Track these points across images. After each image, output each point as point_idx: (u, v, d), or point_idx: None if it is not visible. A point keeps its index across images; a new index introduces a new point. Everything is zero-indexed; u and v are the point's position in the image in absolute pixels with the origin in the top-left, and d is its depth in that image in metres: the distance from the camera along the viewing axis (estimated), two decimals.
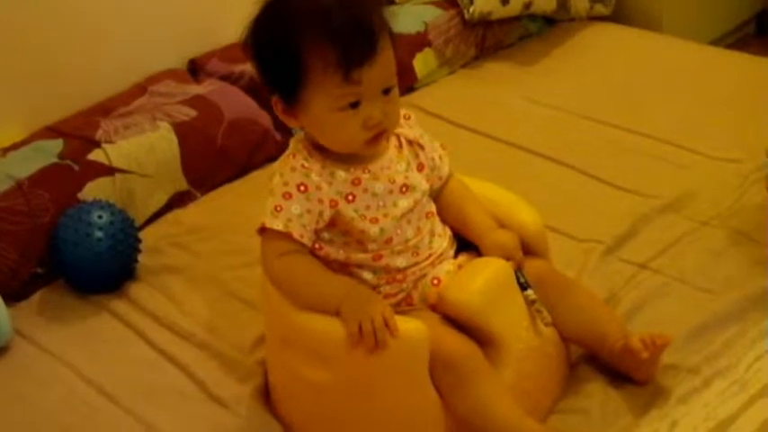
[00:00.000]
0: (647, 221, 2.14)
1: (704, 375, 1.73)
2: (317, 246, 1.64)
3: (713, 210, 2.15)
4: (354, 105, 1.56)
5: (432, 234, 1.70)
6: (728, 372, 1.74)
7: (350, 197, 1.62)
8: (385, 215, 1.64)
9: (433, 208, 1.73)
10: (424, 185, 1.70)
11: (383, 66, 1.56)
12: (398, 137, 1.71)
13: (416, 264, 1.67)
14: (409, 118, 1.74)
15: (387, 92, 1.58)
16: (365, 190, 1.63)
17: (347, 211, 1.62)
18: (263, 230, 1.62)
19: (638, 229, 2.11)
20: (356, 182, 1.63)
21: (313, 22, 1.54)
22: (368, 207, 1.63)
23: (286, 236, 1.59)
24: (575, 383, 1.75)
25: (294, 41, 1.55)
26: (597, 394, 1.71)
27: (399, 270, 1.66)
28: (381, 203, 1.64)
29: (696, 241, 2.07)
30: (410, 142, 1.71)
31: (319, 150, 1.64)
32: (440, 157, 1.75)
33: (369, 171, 1.64)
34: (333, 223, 1.63)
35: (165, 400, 1.83)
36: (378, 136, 1.60)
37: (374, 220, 1.63)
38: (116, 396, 1.85)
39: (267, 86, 1.65)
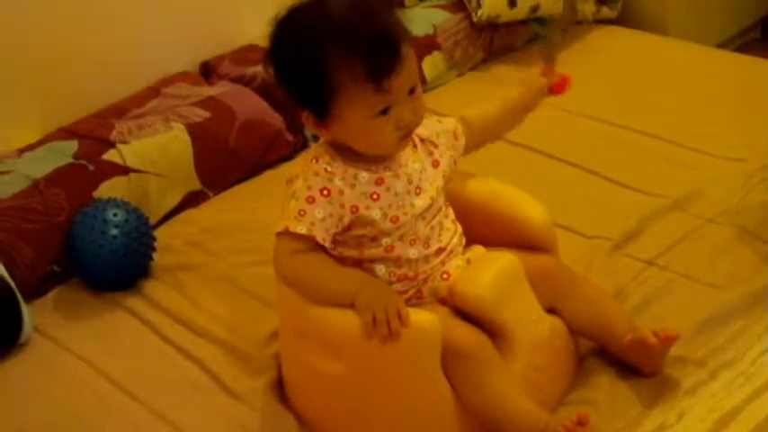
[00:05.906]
0: (654, 219, 2.16)
1: (710, 368, 1.76)
2: (330, 246, 1.66)
3: (719, 207, 2.18)
4: (385, 111, 1.59)
5: (440, 227, 1.72)
6: (734, 364, 1.76)
7: (374, 196, 1.65)
8: (405, 213, 1.66)
9: (443, 203, 1.75)
10: (439, 182, 1.73)
11: (408, 70, 1.58)
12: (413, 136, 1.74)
13: (427, 257, 1.70)
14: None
15: (412, 91, 1.61)
16: (388, 189, 1.66)
17: (370, 213, 1.64)
18: (284, 233, 1.63)
19: (644, 227, 2.14)
20: (379, 181, 1.66)
21: (338, 38, 1.55)
22: (390, 206, 1.66)
23: (309, 239, 1.61)
24: (583, 376, 1.78)
25: (321, 58, 1.56)
26: (606, 386, 1.74)
27: (411, 261, 1.68)
28: (401, 203, 1.67)
29: (702, 238, 2.10)
30: (423, 140, 1.74)
31: (341, 153, 1.66)
32: (455, 135, 1.78)
33: (390, 169, 1.67)
34: (349, 227, 1.65)
35: (181, 394, 1.86)
36: (408, 133, 1.64)
37: (395, 219, 1.66)
38: (132, 390, 1.88)
39: (296, 103, 1.66)
